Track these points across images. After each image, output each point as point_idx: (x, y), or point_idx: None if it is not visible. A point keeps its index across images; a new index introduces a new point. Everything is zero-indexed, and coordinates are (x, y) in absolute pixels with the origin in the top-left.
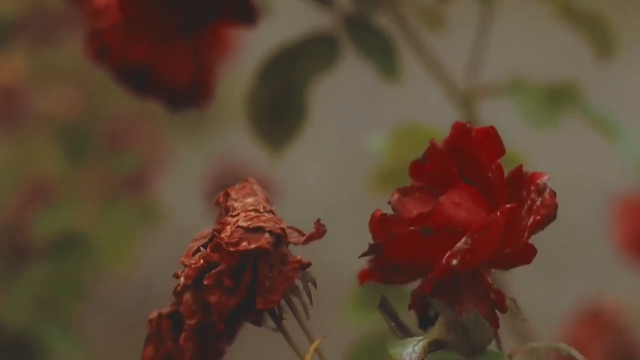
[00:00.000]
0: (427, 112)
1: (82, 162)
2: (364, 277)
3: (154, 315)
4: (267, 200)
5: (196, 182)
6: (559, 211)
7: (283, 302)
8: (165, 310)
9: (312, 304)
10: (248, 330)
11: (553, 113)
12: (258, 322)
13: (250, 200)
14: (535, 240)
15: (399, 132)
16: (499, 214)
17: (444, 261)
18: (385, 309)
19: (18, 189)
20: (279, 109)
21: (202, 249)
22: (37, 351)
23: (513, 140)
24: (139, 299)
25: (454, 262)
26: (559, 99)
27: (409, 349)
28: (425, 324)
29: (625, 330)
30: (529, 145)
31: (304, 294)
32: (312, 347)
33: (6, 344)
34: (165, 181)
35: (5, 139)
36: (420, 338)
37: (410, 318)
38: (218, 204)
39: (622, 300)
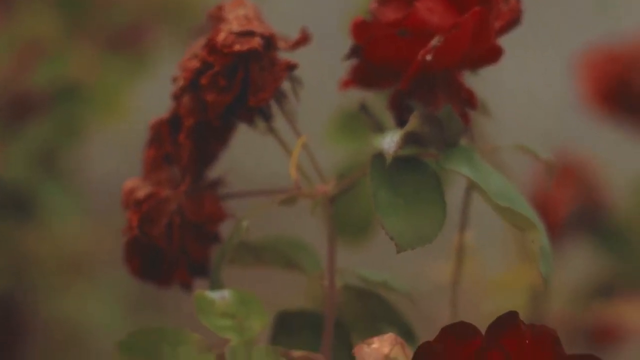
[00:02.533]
0: None
1: (77, 19)
2: (345, 84)
3: (154, 121)
4: (257, 11)
5: (189, 37)
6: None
7: (273, 104)
8: (165, 116)
9: (298, 101)
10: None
11: None
12: (250, 120)
13: (241, 11)
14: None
15: None
16: (468, 15)
17: (419, 57)
18: (365, 110)
19: (16, 49)
20: None
21: (198, 53)
22: (35, 205)
23: None
24: (135, 150)
25: (428, 57)
26: None
27: (388, 138)
28: (402, 125)
29: (591, 182)
30: None
31: (292, 96)
32: (299, 143)
33: (4, 199)
34: (159, 35)
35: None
36: (397, 130)
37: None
38: (211, 16)
39: (589, 153)
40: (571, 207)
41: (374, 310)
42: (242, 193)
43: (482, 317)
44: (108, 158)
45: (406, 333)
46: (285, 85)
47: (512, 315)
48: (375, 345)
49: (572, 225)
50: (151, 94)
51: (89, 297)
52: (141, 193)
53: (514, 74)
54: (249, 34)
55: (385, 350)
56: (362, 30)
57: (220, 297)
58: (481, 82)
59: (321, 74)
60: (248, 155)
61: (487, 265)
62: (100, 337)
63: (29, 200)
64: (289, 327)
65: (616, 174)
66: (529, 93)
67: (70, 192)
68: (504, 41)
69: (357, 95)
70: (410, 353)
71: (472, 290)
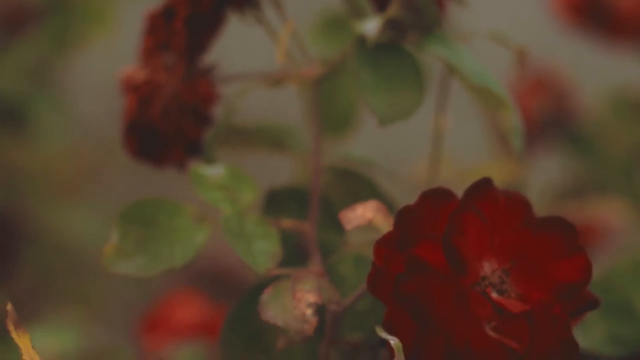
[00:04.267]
0: None
1: None
2: None
3: (150, 12)
4: None
5: None
6: None
7: None
8: (160, 7)
9: None
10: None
11: None
12: (239, 9)
13: None
14: None
15: None
16: None
17: None
18: None
19: None
20: None
21: None
22: (26, 119)
23: None
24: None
25: None
26: None
27: (369, 24)
28: (383, 9)
29: (562, 91)
30: None
31: None
32: (286, 27)
33: None
34: None
35: None
36: (378, 16)
37: None
38: None
39: (560, 64)
40: (543, 115)
41: (359, 190)
42: (233, 76)
43: None
44: (97, 77)
45: (389, 210)
46: None
47: (486, 181)
48: (359, 211)
49: (544, 132)
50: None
51: (77, 211)
52: (139, 78)
53: None
54: None
55: (369, 215)
56: None
57: (214, 172)
58: None
59: None
60: (239, 46)
61: (464, 159)
62: (88, 249)
63: (21, 114)
64: (278, 202)
65: (586, 84)
66: (501, 5)
67: (60, 108)
68: None
69: None
70: (392, 221)
71: (448, 181)
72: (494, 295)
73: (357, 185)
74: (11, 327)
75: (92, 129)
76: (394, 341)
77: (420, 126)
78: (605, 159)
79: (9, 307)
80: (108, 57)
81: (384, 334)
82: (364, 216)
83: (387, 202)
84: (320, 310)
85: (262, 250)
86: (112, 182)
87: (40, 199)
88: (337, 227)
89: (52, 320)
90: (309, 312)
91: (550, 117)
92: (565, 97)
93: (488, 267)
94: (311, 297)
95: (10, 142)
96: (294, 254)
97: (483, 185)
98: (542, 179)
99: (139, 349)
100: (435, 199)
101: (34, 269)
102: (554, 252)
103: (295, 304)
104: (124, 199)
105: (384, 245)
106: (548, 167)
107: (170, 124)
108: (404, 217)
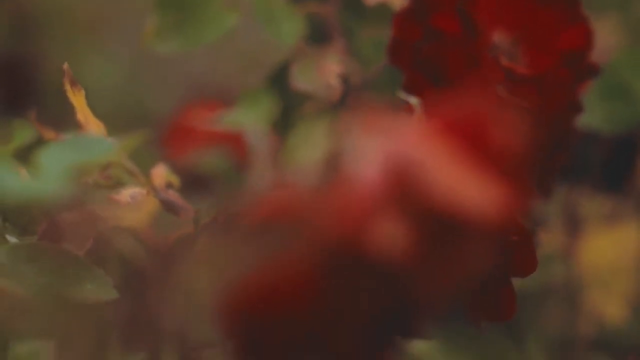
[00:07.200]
0: None
1: None
2: None
3: None
4: None
5: None
6: None
7: None
8: None
9: None
10: None
11: None
12: None
13: None
14: None
15: None
16: None
17: None
18: None
19: None
20: None
21: None
22: None
23: None
24: None
25: None
26: None
27: None
28: None
29: None
30: None
31: None
32: None
33: None
34: None
35: None
36: None
37: None
38: None
39: None
40: None
41: None
42: None
43: None
44: None
45: None
46: None
47: None
48: None
49: None
50: None
51: (91, 55)
52: None
53: None
54: None
55: None
56: None
57: None
58: None
59: None
60: None
61: None
62: (102, 96)
63: None
64: None
65: None
66: None
67: None
68: None
69: None
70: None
71: None
72: (504, 61)
73: None
74: (67, 87)
75: None
76: (413, 100)
77: None
78: None
79: (66, 65)
80: None
81: (404, 95)
82: None
83: None
84: (344, 81)
85: (289, 30)
86: (127, 29)
87: (55, 42)
88: (358, 12)
89: None
90: (334, 81)
91: None
92: None
93: (498, 37)
94: (336, 68)
95: None
96: (319, 37)
97: None
98: None
99: (163, 157)
100: None
101: (47, 113)
102: (559, 21)
103: (321, 75)
104: (139, 46)
105: (401, 17)
106: None
107: None
108: None
